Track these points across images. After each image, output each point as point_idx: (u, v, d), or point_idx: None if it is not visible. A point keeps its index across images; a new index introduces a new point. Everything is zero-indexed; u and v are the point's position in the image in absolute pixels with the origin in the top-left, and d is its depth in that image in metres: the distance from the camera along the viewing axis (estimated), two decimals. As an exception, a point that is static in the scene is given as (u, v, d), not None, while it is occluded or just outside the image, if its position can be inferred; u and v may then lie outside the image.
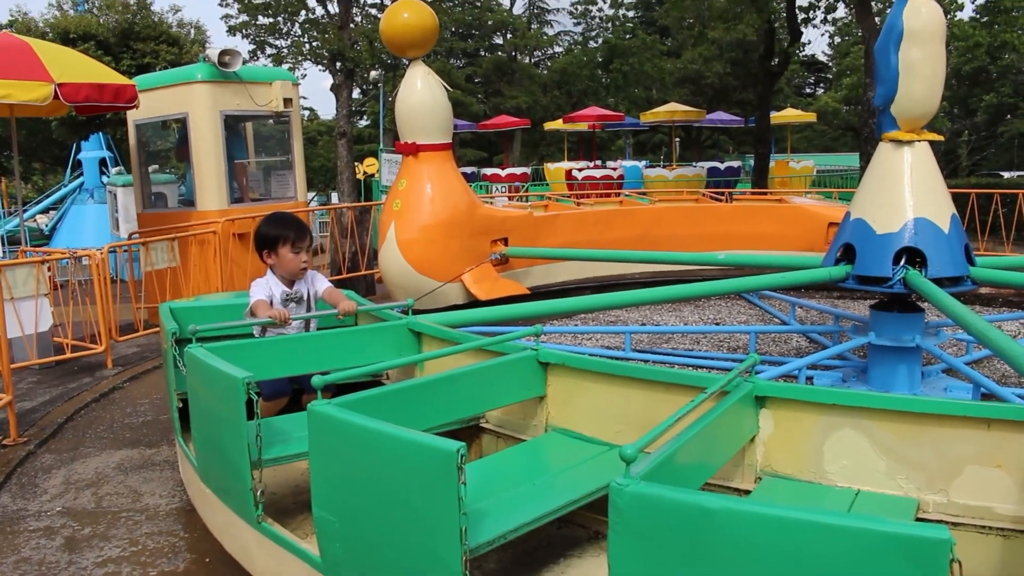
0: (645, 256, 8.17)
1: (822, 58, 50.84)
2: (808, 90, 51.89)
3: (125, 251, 9.46)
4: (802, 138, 42.92)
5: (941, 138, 6.61)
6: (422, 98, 8.27)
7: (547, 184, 25.75)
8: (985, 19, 31.34)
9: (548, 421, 3.71)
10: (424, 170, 8.21)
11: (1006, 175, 27.48)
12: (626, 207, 10.39)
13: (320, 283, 4.59)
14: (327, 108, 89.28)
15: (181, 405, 4.25)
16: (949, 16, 25.59)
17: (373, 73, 26.05)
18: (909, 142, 6.08)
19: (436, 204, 8.14)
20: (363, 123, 43.51)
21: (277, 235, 4.45)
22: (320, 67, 26.66)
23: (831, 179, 28.60)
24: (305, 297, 4.53)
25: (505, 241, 8.67)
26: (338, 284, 10.42)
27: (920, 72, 5.93)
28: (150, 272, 8.93)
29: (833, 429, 3.03)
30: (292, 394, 4.36)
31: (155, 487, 4.82)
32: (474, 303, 8.02)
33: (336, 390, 3.48)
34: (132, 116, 10.66)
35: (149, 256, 8.69)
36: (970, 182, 20.62)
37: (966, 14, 35.21)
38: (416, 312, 4.58)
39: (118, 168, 20.04)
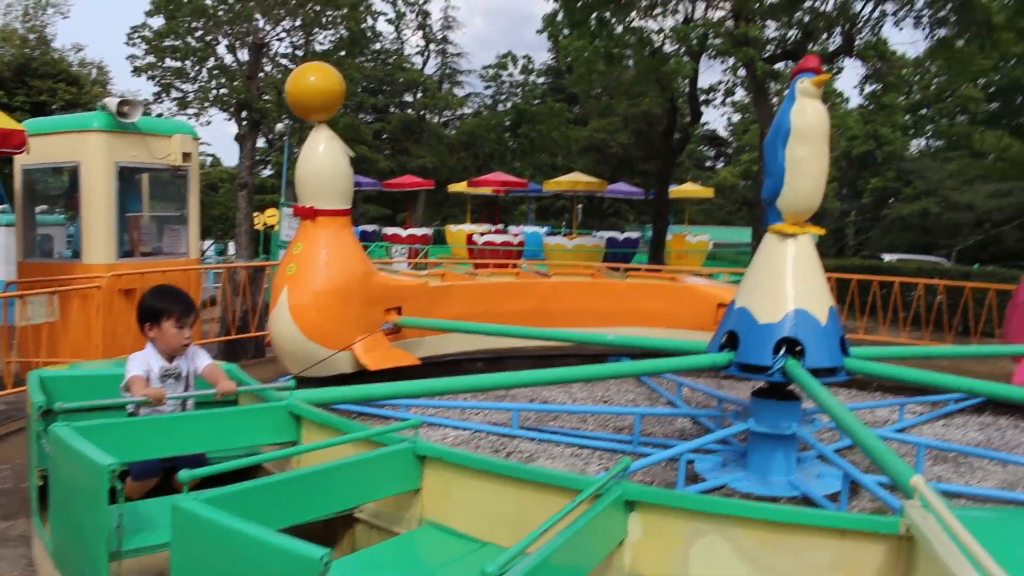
0: (536, 332, 8.27)
1: (723, 133, 52.86)
2: (709, 164, 53.75)
3: None
4: (700, 210, 44.32)
5: (823, 231, 6.93)
6: (324, 163, 8.24)
7: (448, 247, 25.88)
8: (872, 106, 33.30)
9: (423, 515, 3.70)
10: (321, 235, 8.15)
11: (886, 257, 28.89)
12: (522, 280, 10.50)
13: (201, 360, 4.51)
14: (231, 155, 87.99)
15: (42, 483, 4.08)
16: (835, 105, 27.07)
17: (279, 126, 25.92)
18: (793, 235, 6.35)
19: (331, 270, 8.08)
20: (267, 172, 43.03)
21: (162, 309, 4.37)
22: (226, 116, 26.44)
23: (726, 253, 29.57)
24: (184, 374, 4.44)
25: (399, 310, 8.66)
26: (226, 345, 10.27)
27: (805, 169, 6.22)
28: (25, 327, 8.59)
29: (700, 535, 3.09)
30: (164, 472, 4.24)
31: (5, 566, 4.58)
32: (364, 372, 7.98)
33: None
34: (20, 160, 10.32)
35: (25, 310, 8.37)
36: (854, 263, 21.63)
37: (857, 99, 37.39)
38: (303, 381, 4.54)
39: (2, 206, 19.30)
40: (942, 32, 18.07)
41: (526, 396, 8.79)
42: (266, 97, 25.32)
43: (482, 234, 22.09)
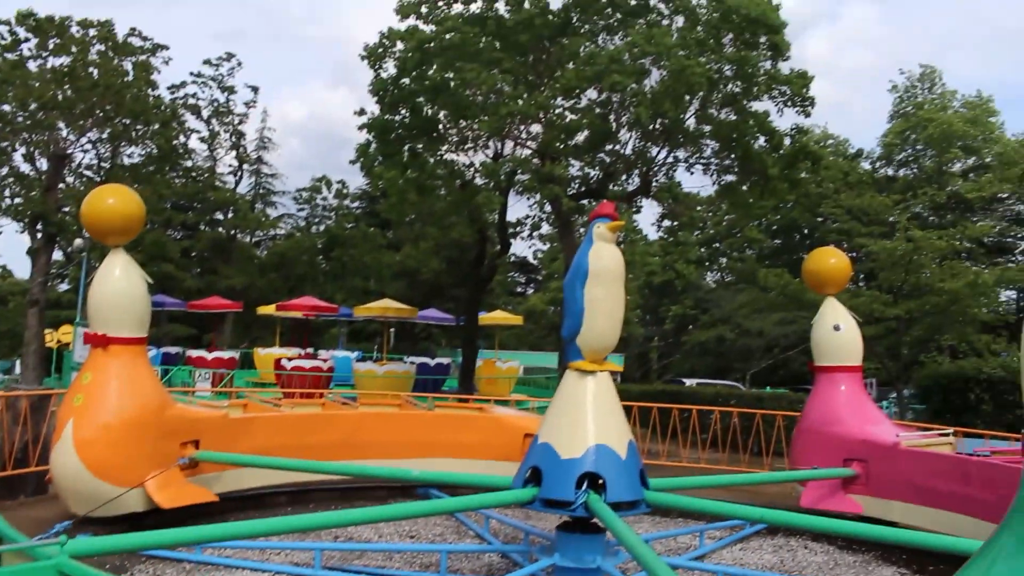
0: (340, 468, 8.10)
1: (533, 260, 54.44)
2: (520, 289, 55.03)
3: None
4: (511, 335, 45.12)
5: (620, 368, 7.26)
6: (119, 288, 7.92)
7: (256, 371, 25.03)
8: (670, 240, 35.48)
9: None
10: (113, 365, 7.74)
11: (687, 382, 30.27)
12: (328, 410, 10.26)
13: (-39, 513, 4.11)
14: (23, 266, 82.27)
15: None
16: (634, 241, 28.61)
17: (78, 241, 24.60)
18: (592, 372, 6.59)
19: (123, 401, 7.65)
20: (63, 287, 40.67)
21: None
22: (19, 227, 24.91)
23: (536, 379, 30.09)
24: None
25: (196, 444, 8.25)
26: (1, 480, 9.40)
27: (602, 309, 6.55)
28: None
29: None
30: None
31: None
32: (157, 511, 7.51)
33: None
34: None
35: None
36: (657, 387, 22.48)
37: (655, 234, 39.84)
38: (88, 521, 4.22)
39: None
40: (728, 178, 19.65)
41: (331, 532, 8.51)
42: (66, 209, 24.10)
43: (291, 359, 21.49)
